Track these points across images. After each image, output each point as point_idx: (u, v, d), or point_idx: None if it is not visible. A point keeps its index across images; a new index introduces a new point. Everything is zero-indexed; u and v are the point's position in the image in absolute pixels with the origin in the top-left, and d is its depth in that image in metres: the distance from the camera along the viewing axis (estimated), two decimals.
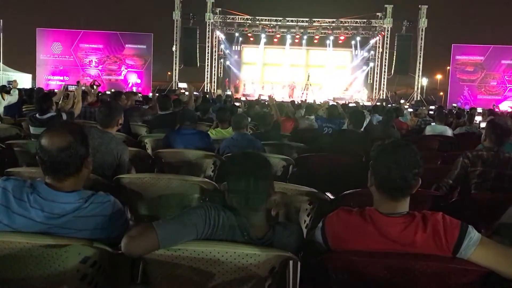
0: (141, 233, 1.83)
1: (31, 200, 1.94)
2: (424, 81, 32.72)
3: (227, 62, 31.38)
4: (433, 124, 8.14)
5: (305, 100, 20.79)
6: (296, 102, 14.68)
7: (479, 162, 3.75)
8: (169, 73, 33.08)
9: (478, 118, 8.94)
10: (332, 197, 3.28)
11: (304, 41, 29.30)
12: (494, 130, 3.83)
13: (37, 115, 5.70)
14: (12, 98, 9.55)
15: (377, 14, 27.86)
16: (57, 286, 1.94)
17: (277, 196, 2.07)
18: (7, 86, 11.28)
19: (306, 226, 3.18)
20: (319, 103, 14.51)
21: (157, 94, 9.32)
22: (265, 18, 27.96)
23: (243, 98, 23.37)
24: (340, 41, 29.14)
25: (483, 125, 7.27)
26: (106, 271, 2.03)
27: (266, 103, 12.83)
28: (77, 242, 1.90)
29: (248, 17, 27.81)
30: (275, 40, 29.57)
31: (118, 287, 2.35)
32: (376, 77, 29.25)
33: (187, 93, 10.45)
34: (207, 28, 28.30)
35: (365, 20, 27.44)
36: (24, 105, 8.32)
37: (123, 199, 3.15)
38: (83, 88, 7.84)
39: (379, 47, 29.06)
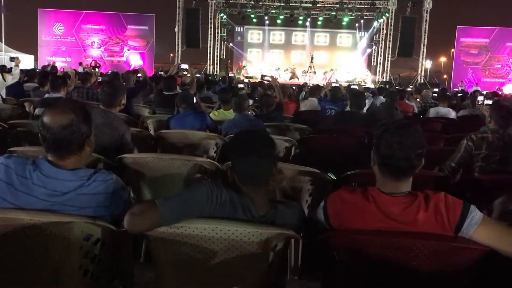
0: (144, 210, 1.84)
1: (33, 177, 1.95)
2: (428, 64, 32.51)
3: (230, 44, 31.16)
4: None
5: (308, 82, 20.69)
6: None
7: (484, 145, 3.69)
8: (171, 54, 32.90)
9: (480, 98, 8.82)
10: (334, 177, 3.28)
11: (307, 23, 29.04)
12: (500, 111, 3.77)
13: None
14: (13, 77, 9.48)
15: None
16: (60, 263, 1.95)
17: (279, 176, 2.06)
18: (10, 61, 11.11)
19: (308, 206, 3.20)
20: (322, 85, 14.44)
21: (161, 73, 9.24)
22: None
23: (245, 80, 23.26)
24: (343, 23, 28.90)
25: (487, 101, 7.19)
26: (110, 249, 2.04)
27: (269, 84, 12.77)
28: (80, 219, 1.91)
29: None
30: (278, 21, 29.29)
31: (122, 265, 2.37)
32: (380, 59, 29.04)
33: (189, 75, 10.38)
34: (210, 9, 28.03)
35: (369, 1, 27.10)
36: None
37: (125, 179, 3.18)
38: (86, 70, 7.83)
39: (383, 29, 28.79)
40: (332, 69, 29.31)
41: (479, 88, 19.32)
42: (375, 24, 29.14)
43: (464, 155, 3.74)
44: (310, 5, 27.15)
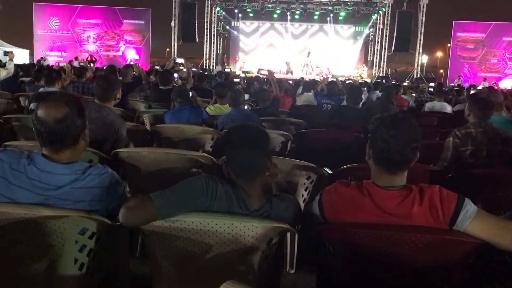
0: (139, 204, 1.83)
1: (28, 171, 1.94)
2: (425, 59, 32.45)
3: (226, 38, 31.04)
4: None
5: (304, 77, 20.66)
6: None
7: (469, 141, 3.70)
8: (168, 49, 32.79)
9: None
10: (330, 172, 3.28)
11: (304, 18, 28.98)
12: (477, 104, 3.79)
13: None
14: (8, 72, 9.42)
15: None
16: (55, 257, 1.95)
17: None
18: (4, 55, 11.07)
19: (304, 200, 3.20)
20: (319, 79, 14.43)
21: (157, 67, 9.19)
22: None
23: (242, 75, 23.22)
24: (340, 18, 28.87)
25: None
26: (105, 243, 2.04)
27: (265, 79, 12.76)
28: (75, 213, 1.90)
29: None
30: (275, 15, 29.22)
31: (118, 259, 2.37)
32: (376, 54, 29.01)
33: (185, 69, 10.36)
34: (206, 3, 27.93)
35: None
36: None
37: (121, 173, 3.18)
38: (82, 64, 7.81)
39: (379, 23, 28.75)
40: (328, 64, 29.29)
41: (486, 84, 19.25)
42: (372, 18, 29.11)
43: (454, 152, 3.75)
44: None
